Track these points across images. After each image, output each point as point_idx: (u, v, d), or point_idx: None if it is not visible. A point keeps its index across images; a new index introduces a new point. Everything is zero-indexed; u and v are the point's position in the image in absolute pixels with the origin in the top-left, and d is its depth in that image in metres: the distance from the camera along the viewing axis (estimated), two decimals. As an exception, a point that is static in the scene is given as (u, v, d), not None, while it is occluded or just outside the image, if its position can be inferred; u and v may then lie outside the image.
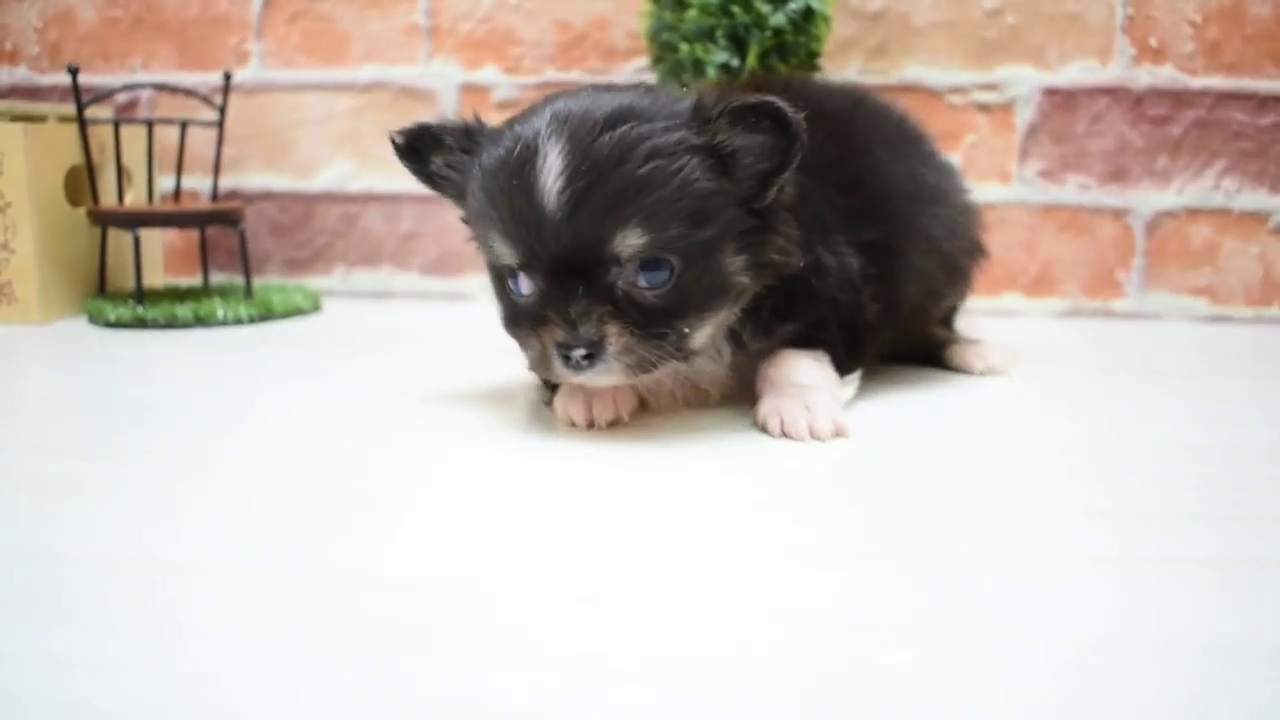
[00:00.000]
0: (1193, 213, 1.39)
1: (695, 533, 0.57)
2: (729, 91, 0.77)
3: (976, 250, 1.00)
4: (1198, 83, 1.36)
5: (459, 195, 0.81)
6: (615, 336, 0.70)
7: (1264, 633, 0.44)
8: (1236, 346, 1.24)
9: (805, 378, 0.80)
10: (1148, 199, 1.39)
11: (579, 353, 0.70)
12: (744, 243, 0.74)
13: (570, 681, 0.40)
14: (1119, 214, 1.39)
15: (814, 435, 0.74)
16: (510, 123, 0.76)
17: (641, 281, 0.71)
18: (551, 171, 0.69)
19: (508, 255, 0.73)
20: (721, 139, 0.72)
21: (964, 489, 0.66)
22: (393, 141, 0.81)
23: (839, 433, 0.75)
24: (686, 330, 0.73)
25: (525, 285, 0.74)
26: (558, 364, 0.72)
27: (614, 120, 0.70)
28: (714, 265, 0.73)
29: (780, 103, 0.71)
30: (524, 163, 0.70)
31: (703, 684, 0.40)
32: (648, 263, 0.71)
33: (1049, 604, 0.47)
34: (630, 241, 0.70)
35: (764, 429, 0.77)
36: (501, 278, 0.77)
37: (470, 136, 0.78)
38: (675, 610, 0.46)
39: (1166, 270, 1.40)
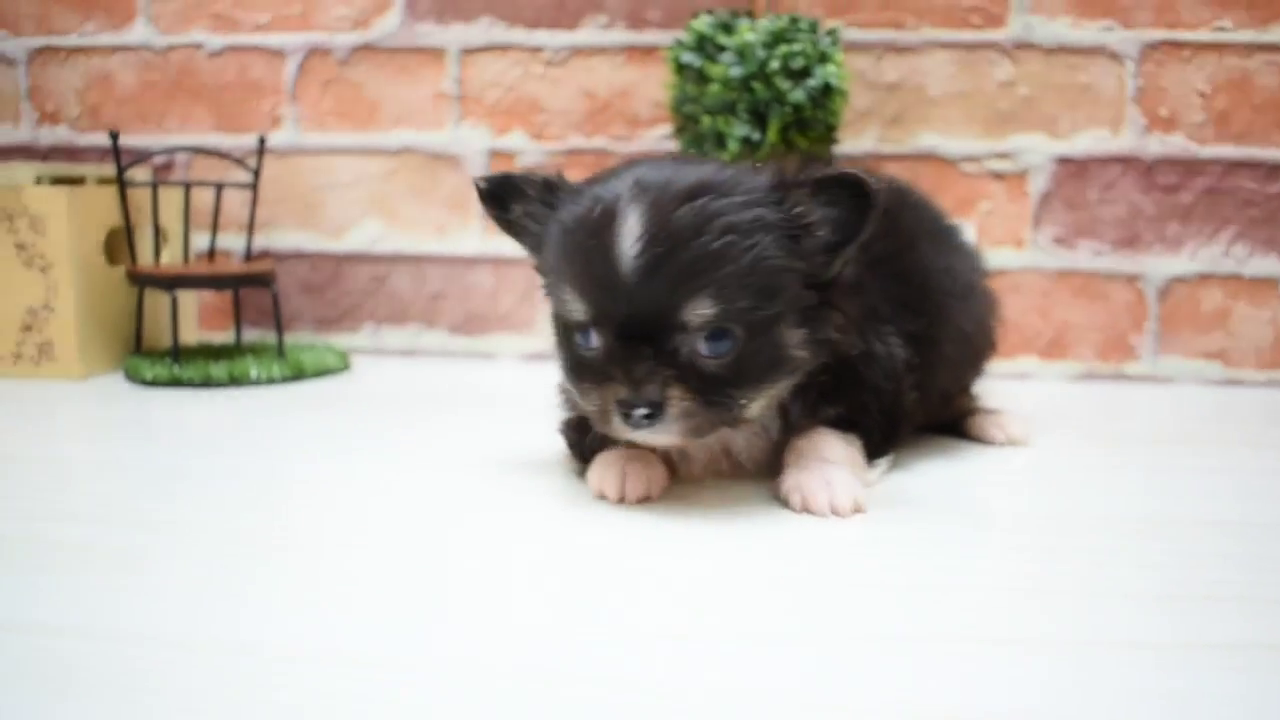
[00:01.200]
0: (1204, 278, 1.42)
1: (707, 615, 0.59)
2: (807, 165, 0.81)
3: (993, 342, 1.04)
4: (1207, 151, 1.40)
5: (535, 246, 0.84)
6: (677, 400, 0.73)
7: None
8: (1248, 410, 1.27)
9: (831, 454, 0.82)
10: (1160, 264, 1.42)
11: (640, 412, 0.73)
12: (804, 318, 0.77)
13: None
14: (1132, 279, 1.42)
15: (834, 511, 0.77)
16: (591, 182, 0.80)
17: (705, 349, 0.74)
18: (630, 236, 0.72)
19: (579, 311, 0.76)
20: (799, 210, 0.75)
21: (978, 568, 0.68)
22: (477, 187, 0.85)
23: (858, 509, 0.78)
24: (744, 401, 0.76)
25: (594, 340, 0.77)
26: (616, 420, 0.75)
27: (695, 192, 0.74)
28: (775, 338, 0.76)
29: (863, 174, 0.74)
30: (603, 224, 0.74)
31: None
32: (713, 332, 0.74)
33: (1066, 688, 0.49)
34: (700, 311, 0.73)
35: (786, 503, 0.79)
36: (568, 330, 0.79)
37: (551, 190, 0.82)
38: (680, 696, 0.48)
39: (1179, 334, 1.42)
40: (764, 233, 0.74)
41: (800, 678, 0.51)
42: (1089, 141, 1.41)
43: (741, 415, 0.77)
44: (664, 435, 0.75)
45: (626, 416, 0.74)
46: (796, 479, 0.80)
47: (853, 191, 0.74)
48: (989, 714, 0.47)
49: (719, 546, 0.72)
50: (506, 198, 0.84)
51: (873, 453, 0.86)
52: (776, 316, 0.75)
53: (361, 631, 0.56)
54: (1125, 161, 1.41)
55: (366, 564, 0.68)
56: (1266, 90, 1.38)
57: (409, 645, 0.54)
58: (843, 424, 0.84)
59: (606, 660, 0.53)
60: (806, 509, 0.78)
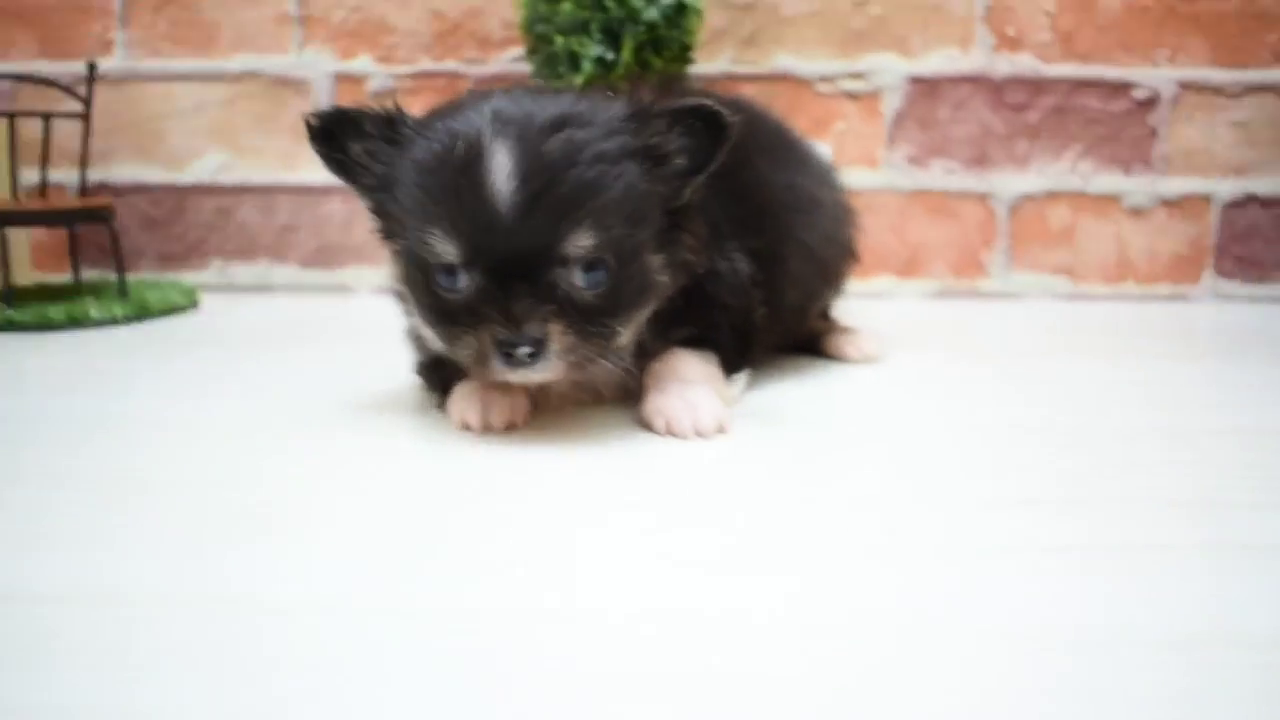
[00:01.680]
0: (1052, 195, 1.45)
1: (575, 537, 0.59)
2: (662, 95, 0.79)
3: (849, 254, 1.04)
4: (1054, 70, 1.42)
5: (376, 186, 0.79)
6: (558, 335, 0.72)
7: (1123, 616, 0.48)
8: (1094, 323, 1.31)
9: (690, 374, 0.82)
10: (1009, 182, 1.45)
11: (524, 350, 0.71)
12: (662, 242, 0.77)
13: (456, 698, 0.41)
14: (983, 197, 1.45)
15: (698, 432, 0.77)
16: (441, 117, 0.76)
17: (581, 281, 0.73)
18: (502, 171, 0.70)
19: (449, 253, 0.73)
20: (657, 140, 0.74)
21: (843, 479, 0.69)
22: (307, 124, 0.79)
23: (721, 429, 0.78)
24: (619, 329, 0.76)
25: (461, 280, 0.73)
26: (496, 361, 0.72)
27: (559, 123, 0.72)
28: (642, 265, 0.76)
29: (718, 106, 0.74)
30: (470, 161, 0.71)
31: (600, 696, 0.41)
32: (589, 263, 0.72)
33: (917, 589, 0.50)
34: (580, 243, 0.71)
35: (649, 426, 0.79)
36: (426, 274, 0.75)
37: (393, 125, 0.77)
38: (558, 621, 0.48)
39: (1029, 251, 1.46)
40: (629, 160, 0.73)
41: (678, 593, 0.51)
42: (940, 61, 1.42)
43: (615, 345, 0.76)
44: (546, 372, 0.73)
45: (508, 357, 0.72)
46: (658, 402, 0.79)
47: (708, 122, 0.74)
48: (859, 613, 0.48)
49: (585, 470, 0.71)
50: (342, 135, 0.78)
51: (729, 368, 0.85)
52: (642, 243, 0.75)
53: (224, 570, 0.54)
54: (975, 81, 1.43)
55: (225, 503, 0.65)
56: (1110, 10, 1.41)
57: (272, 581, 0.53)
58: (695, 344, 0.84)
59: (481, 590, 0.52)
60: (670, 431, 0.77)
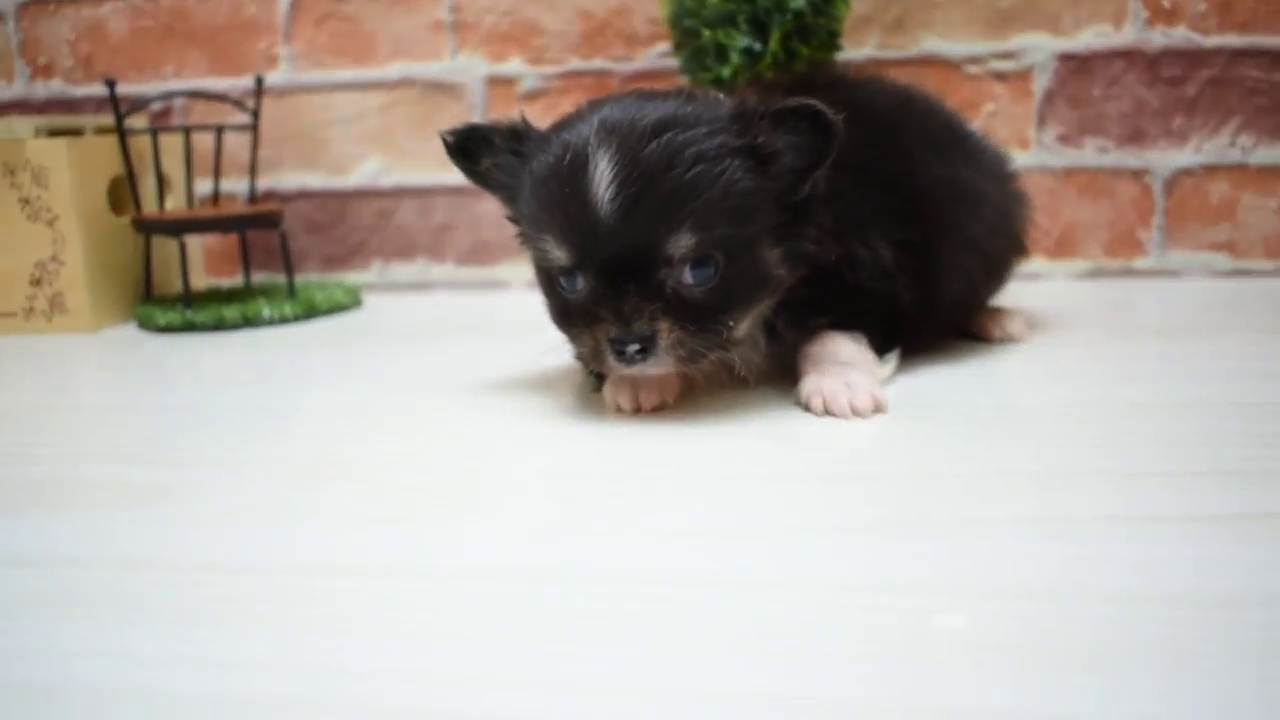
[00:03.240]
0: (1210, 170, 1.41)
1: (747, 512, 0.61)
2: (767, 94, 0.81)
3: (1017, 247, 1.04)
4: (1211, 41, 1.39)
5: (508, 197, 0.85)
6: (666, 331, 0.75)
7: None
8: (1257, 299, 1.27)
9: (845, 356, 0.83)
10: (1165, 158, 1.41)
11: (633, 347, 0.74)
12: (780, 235, 0.79)
13: (635, 659, 0.43)
14: (1138, 174, 1.42)
15: (855, 412, 0.78)
16: (557, 129, 0.80)
17: (689, 279, 0.75)
18: (603, 179, 0.73)
19: (562, 258, 0.78)
20: (762, 140, 0.76)
21: (1000, 456, 0.70)
22: (444, 141, 0.85)
23: (879, 408, 0.79)
24: (731, 323, 0.78)
25: (578, 282, 0.78)
26: (610, 358, 0.76)
27: (660, 128, 0.74)
28: (754, 260, 0.78)
29: (820, 105, 0.75)
30: (575, 170, 0.75)
31: (769, 657, 0.43)
32: (695, 261, 0.75)
33: (1100, 564, 0.51)
34: (682, 243, 0.74)
35: (807, 407, 0.80)
36: (551, 277, 0.81)
37: (518, 139, 0.82)
38: (737, 589, 0.50)
39: (1186, 227, 1.42)
40: (731, 158, 0.75)
41: (840, 562, 0.52)
42: (1091, 37, 1.40)
43: (731, 338, 0.78)
44: (658, 367, 0.76)
45: (620, 354, 0.75)
46: (816, 382, 0.81)
47: (812, 120, 0.75)
48: (1022, 590, 0.48)
49: (744, 447, 0.73)
50: (474, 150, 0.84)
51: (879, 349, 0.86)
52: (753, 238, 0.77)
53: (402, 545, 0.57)
54: (1128, 56, 1.40)
55: (397, 482, 0.69)
56: (1269, -25, 1.37)
57: (447, 554, 0.56)
58: (843, 327, 0.85)
59: (654, 557, 0.54)
60: (828, 411, 0.79)
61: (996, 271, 1.03)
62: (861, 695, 0.40)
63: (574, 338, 0.80)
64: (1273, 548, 0.52)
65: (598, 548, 0.56)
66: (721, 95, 0.83)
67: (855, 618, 0.46)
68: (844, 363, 0.82)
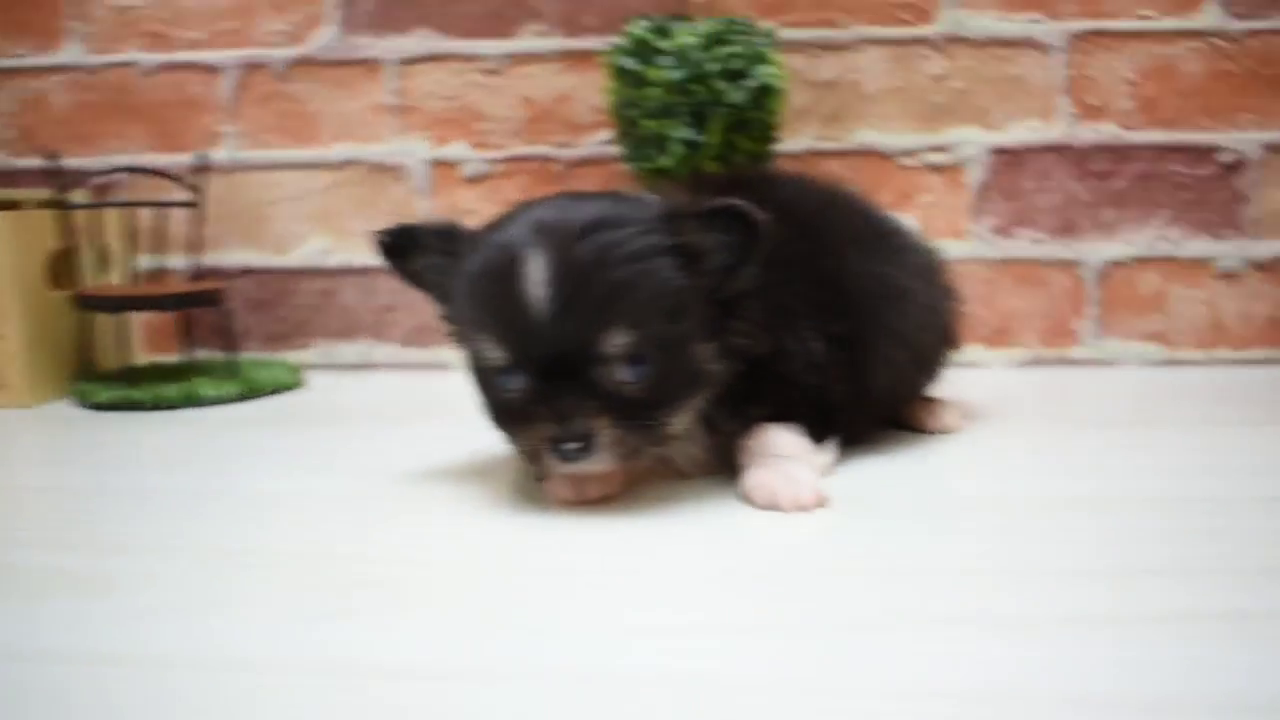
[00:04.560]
0: (1141, 261, 1.45)
1: (690, 607, 0.61)
2: (696, 194, 0.83)
3: (947, 342, 1.06)
4: (1138, 137, 1.43)
5: (441, 297, 0.86)
6: (604, 428, 0.75)
7: (1237, 684, 0.49)
8: (1189, 389, 1.30)
9: (784, 449, 0.84)
10: (1097, 250, 1.45)
11: (572, 445, 0.75)
12: (710, 333, 0.80)
13: None
14: (1070, 265, 1.46)
15: (799, 506, 0.78)
16: (489, 230, 0.81)
17: (625, 376, 0.76)
18: (538, 279, 0.74)
19: (498, 357, 0.78)
20: (692, 239, 0.77)
21: (939, 552, 0.71)
22: (376, 240, 0.86)
23: (820, 503, 0.80)
24: (668, 418, 0.79)
25: (514, 380, 0.78)
26: (549, 457, 0.76)
27: (591, 227, 0.76)
28: (688, 355, 0.79)
29: (747, 206, 0.77)
30: (510, 270, 0.75)
31: None
32: (630, 358, 0.76)
33: (1033, 664, 0.51)
34: (616, 340, 0.74)
35: (750, 500, 0.81)
36: (486, 376, 0.81)
37: (451, 240, 0.83)
38: (674, 688, 0.49)
39: (1120, 317, 1.46)
40: (662, 257, 0.76)
41: (783, 664, 0.52)
42: (1022, 132, 1.44)
43: (667, 433, 0.80)
44: (597, 464, 0.76)
45: (559, 452, 0.75)
46: (759, 477, 0.81)
47: (739, 219, 0.77)
48: (961, 692, 0.49)
49: (686, 540, 0.73)
50: (407, 249, 0.85)
51: (816, 438, 0.87)
52: (686, 334, 0.78)
53: (340, 636, 0.57)
54: (1058, 150, 1.44)
55: (334, 572, 0.69)
56: (1191, 76, 1.42)
57: (384, 647, 0.55)
58: (778, 419, 0.86)
59: (589, 654, 0.54)
60: (773, 505, 0.79)
61: (926, 365, 1.04)
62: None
63: (512, 437, 0.81)
64: (1212, 650, 0.53)
65: (546, 642, 0.56)
66: (649, 195, 0.84)
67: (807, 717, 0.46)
68: (784, 456, 0.83)
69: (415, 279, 0.87)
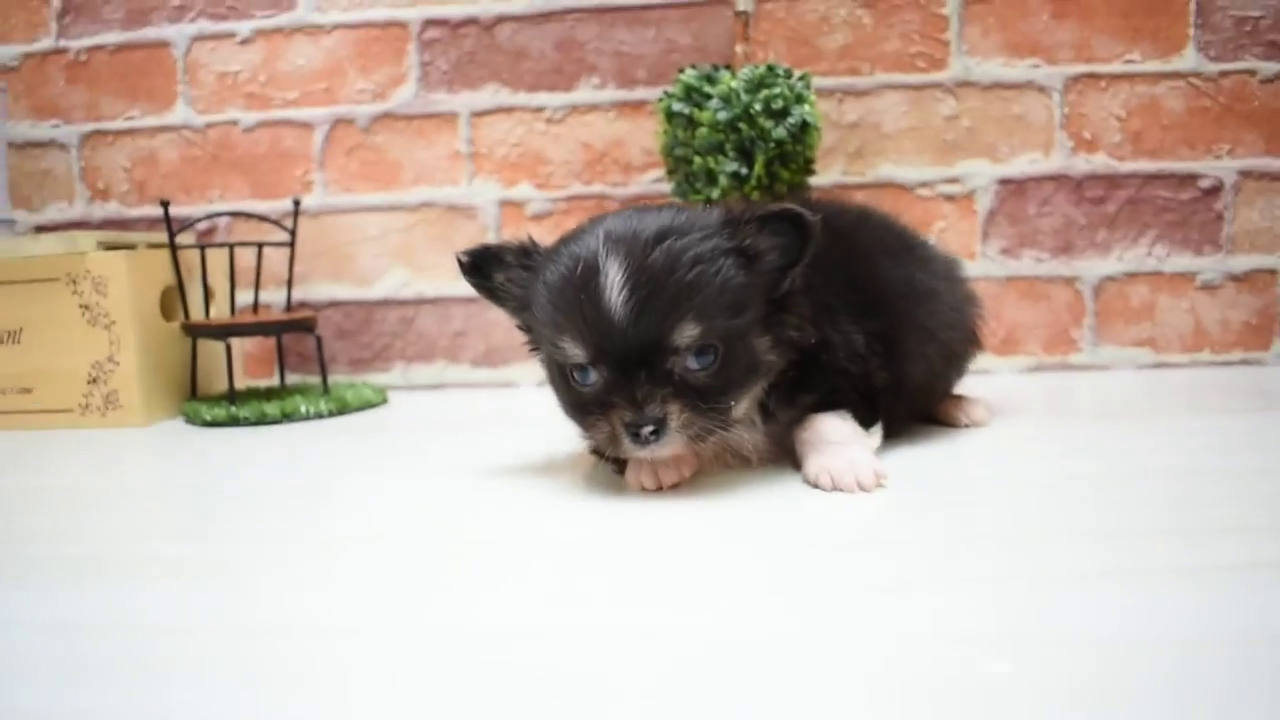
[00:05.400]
0: (1132, 276, 1.45)
1: (773, 573, 0.59)
2: (751, 203, 0.82)
3: (971, 339, 1.05)
4: (1127, 167, 1.44)
5: (517, 308, 0.85)
6: (676, 413, 0.75)
7: (1232, 624, 0.48)
8: (1176, 387, 1.30)
9: (838, 436, 0.83)
10: (1093, 267, 1.45)
11: (647, 429, 0.74)
12: (767, 326, 0.80)
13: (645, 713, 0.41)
14: (1070, 281, 1.45)
15: (861, 487, 0.78)
16: (565, 243, 0.81)
17: (693, 365, 0.76)
18: (614, 284, 0.74)
19: (579, 355, 0.77)
20: (749, 241, 0.78)
21: (987, 520, 0.70)
22: (459, 260, 0.85)
23: (880, 482, 0.79)
24: (732, 403, 0.78)
25: (591, 375, 0.77)
26: (626, 441, 0.75)
27: (660, 236, 0.76)
28: (748, 346, 0.78)
29: (799, 209, 0.77)
30: (587, 277, 0.75)
31: (830, 706, 0.41)
32: (699, 350, 0.75)
33: (1088, 611, 0.51)
34: (687, 334, 0.74)
35: (815, 485, 0.79)
36: (564, 373, 0.80)
37: (527, 255, 0.83)
38: (772, 648, 0.48)
39: (1114, 326, 1.45)
40: (725, 258, 0.76)
41: (878, 618, 0.51)
42: (1025, 164, 1.44)
43: (731, 417, 0.79)
44: (670, 447, 0.76)
45: (635, 436, 0.74)
46: (821, 462, 0.80)
47: (793, 223, 0.77)
48: (1050, 635, 0.48)
49: (766, 520, 0.72)
50: (487, 267, 0.85)
51: (861, 422, 0.86)
52: (747, 327, 0.77)
53: (441, 608, 0.55)
54: (1057, 179, 1.44)
55: (429, 552, 0.67)
56: (1173, 112, 1.42)
57: (479, 619, 0.53)
58: (826, 406, 0.85)
59: (696, 615, 0.53)
60: (836, 486, 0.78)
61: (954, 360, 1.04)
62: None
63: (590, 426, 0.79)
64: (1216, 596, 0.52)
65: (646, 608, 0.54)
66: (707, 207, 0.84)
67: (908, 666, 0.45)
68: (840, 442, 0.82)
69: (493, 294, 0.86)
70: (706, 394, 0.76)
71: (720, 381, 0.77)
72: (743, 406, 0.80)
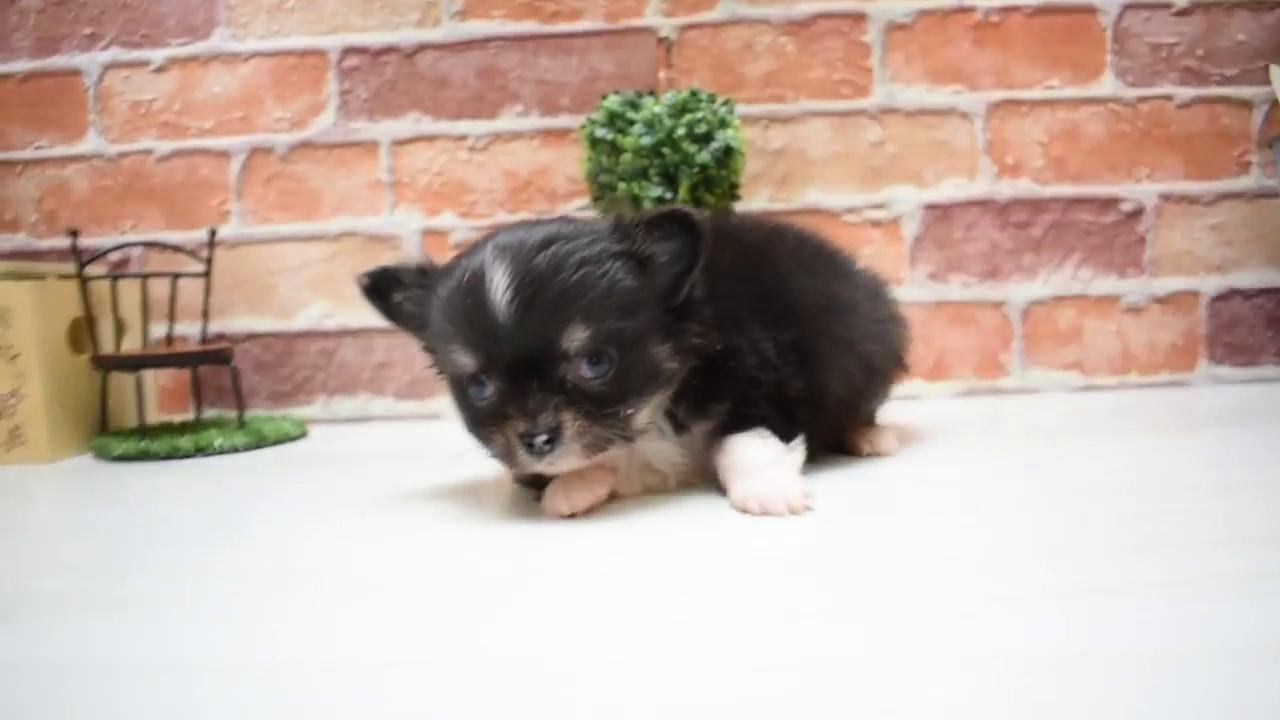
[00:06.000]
0: (1058, 299, 1.45)
1: (702, 597, 0.57)
2: (642, 210, 0.81)
3: (895, 357, 1.02)
4: (1050, 191, 1.44)
5: (418, 327, 0.83)
6: (570, 421, 0.73)
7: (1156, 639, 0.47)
8: (1104, 409, 1.29)
9: (760, 459, 0.80)
10: (1019, 291, 1.45)
11: (541, 439, 0.72)
12: (667, 333, 0.78)
13: None
14: (997, 305, 1.45)
15: (790, 510, 0.75)
16: (458, 258, 0.80)
17: (586, 373, 0.74)
18: (499, 288, 0.73)
19: (469, 364, 0.76)
20: (640, 245, 0.76)
21: (920, 543, 0.68)
22: (359, 283, 0.84)
23: (808, 504, 0.77)
24: (629, 411, 0.76)
25: (486, 389, 0.76)
26: (521, 453, 0.74)
27: (547, 242, 0.75)
28: (645, 353, 0.76)
29: (687, 209, 0.76)
30: (475, 285, 0.74)
31: None
32: (591, 356, 0.74)
33: (1025, 630, 0.49)
34: (575, 336, 0.73)
35: (744, 511, 0.77)
36: (462, 387, 0.78)
37: (425, 274, 0.82)
38: (701, 673, 0.46)
39: (1041, 350, 1.45)
40: (613, 261, 0.75)
41: (806, 644, 0.50)
42: (950, 189, 1.44)
43: (631, 426, 0.77)
44: (565, 457, 0.74)
45: (530, 447, 0.73)
46: (747, 487, 0.78)
47: (681, 224, 0.76)
48: (974, 656, 0.47)
49: (688, 544, 0.69)
50: (387, 289, 0.84)
51: (782, 436, 0.83)
52: (641, 333, 0.76)
53: (362, 639, 0.53)
54: (982, 204, 1.44)
55: (334, 586, 0.64)
56: (1094, 137, 1.43)
57: (381, 648, 0.51)
58: (743, 422, 0.83)
59: (621, 643, 0.50)
60: (766, 511, 0.76)
61: (876, 375, 1.00)
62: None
63: (487, 440, 0.77)
64: (1152, 611, 0.51)
65: (569, 636, 0.52)
66: (598, 218, 0.83)
67: (844, 690, 0.43)
68: (763, 465, 0.80)
69: (393, 314, 0.85)
70: (602, 402, 0.74)
71: (616, 390, 0.75)
72: (644, 415, 0.78)
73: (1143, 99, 1.43)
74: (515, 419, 0.73)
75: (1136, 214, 1.44)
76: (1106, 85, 1.42)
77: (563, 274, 0.73)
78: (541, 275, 0.73)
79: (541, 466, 0.75)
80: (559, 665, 0.47)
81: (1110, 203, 1.44)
